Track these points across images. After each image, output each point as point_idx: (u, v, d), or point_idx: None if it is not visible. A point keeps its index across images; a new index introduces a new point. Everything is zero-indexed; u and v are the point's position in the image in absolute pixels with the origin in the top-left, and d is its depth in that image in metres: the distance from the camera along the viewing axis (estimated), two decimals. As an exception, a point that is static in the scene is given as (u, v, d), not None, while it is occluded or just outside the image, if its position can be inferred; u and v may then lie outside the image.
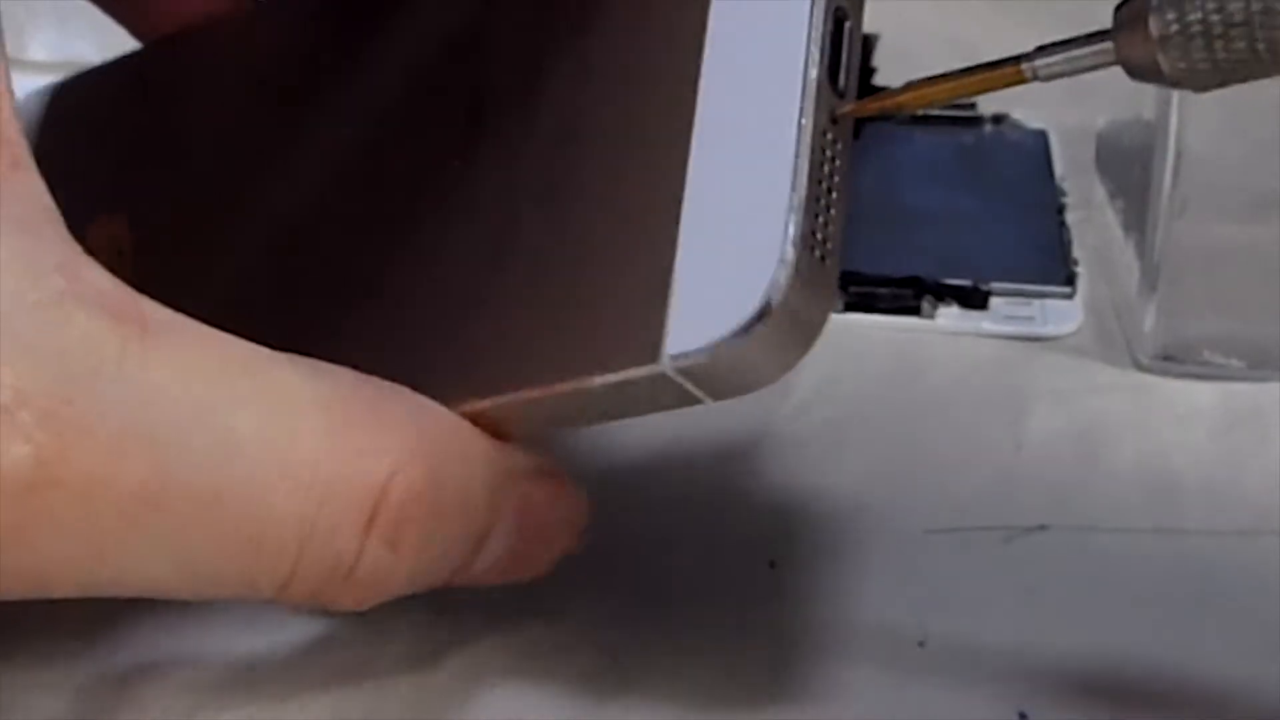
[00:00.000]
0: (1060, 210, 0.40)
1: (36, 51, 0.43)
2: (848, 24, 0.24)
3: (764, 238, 0.23)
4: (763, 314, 0.23)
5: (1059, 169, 0.41)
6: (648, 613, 0.29)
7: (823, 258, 0.23)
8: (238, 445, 0.23)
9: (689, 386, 0.23)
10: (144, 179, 0.32)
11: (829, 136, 0.24)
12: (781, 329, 0.23)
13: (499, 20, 0.28)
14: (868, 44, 0.43)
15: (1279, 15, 0.21)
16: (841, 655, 0.28)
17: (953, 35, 0.46)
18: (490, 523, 0.26)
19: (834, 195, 0.23)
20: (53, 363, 0.22)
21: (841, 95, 0.24)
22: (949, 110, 0.43)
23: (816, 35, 0.24)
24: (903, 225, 0.39)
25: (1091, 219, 0.39)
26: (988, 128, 0.43)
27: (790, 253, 0.23)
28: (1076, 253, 0.38)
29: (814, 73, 0.24)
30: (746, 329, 0.23)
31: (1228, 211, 0.34)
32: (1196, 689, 0.28)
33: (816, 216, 0.23)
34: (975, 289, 0.37)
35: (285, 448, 0.24)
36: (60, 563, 0.23)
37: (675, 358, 0.23)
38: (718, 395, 0.24)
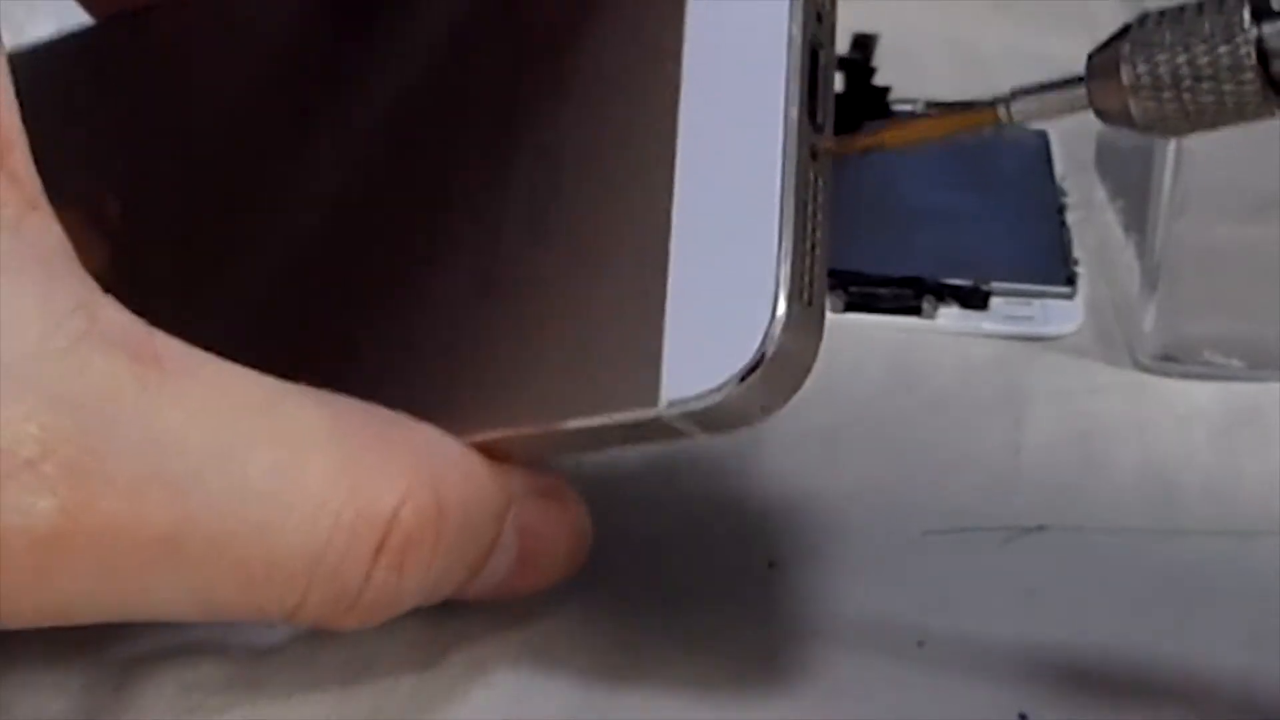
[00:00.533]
0: (1060, 210, 0.40)
1: (37, 51, 0.43)
2: (822, 55, 0.24)
3: (754, 286, 0.23)
4: (758, 362, 0.23)
5: (1059, 169, 0.41)
6: (647, 612, 0.29)
7: (810, 300, 0.24)
8: (252, 483, 0.24)
9: (683, 426, 0.24)
10: (111, 162, 0.32)
11: (811, 175, 0.24)
12: (774, 374, 0.23)
13: (479, 58, 0.28)
14: (868, 44, 0.43)
15: (1245, 69, 0.22)
16: (840, 656, 0.28)
17: (953, 35, 0.46)
18: (492, 543, 0.26)
19: (818, 234, 0.24)
20: (75, 411, 0.23)
21: (820, 129, 0.24)
22: (949, 111, 0.43)
23: (795, 73, 0.24)
24: (903, 225, 0.39)
25: (1092, 219, 0.39)
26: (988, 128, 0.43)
27: (782, 302, 0.23)
28: (1077, 253, 0.38)
29: (794, 111, 0.24)
30: (743, 376, 0.23)
31: (1228, 211, 0.34)
32: (1196, 689, 0.28)
33: (803, 259, 0.23)
34: (975, 289, 0.37)
35: (298, 482, 0.24)
36: (81, 599, 0.24)
37: (672, 403, 0.24)
38: (711, 432, 0.24)
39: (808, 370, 0.24)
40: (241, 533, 0.24)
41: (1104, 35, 0.23)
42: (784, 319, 0.23)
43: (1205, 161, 0.34)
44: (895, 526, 0.31)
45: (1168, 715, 0.27)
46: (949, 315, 0.37)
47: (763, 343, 0.23)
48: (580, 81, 0.26)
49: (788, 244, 0.23)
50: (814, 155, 0.24)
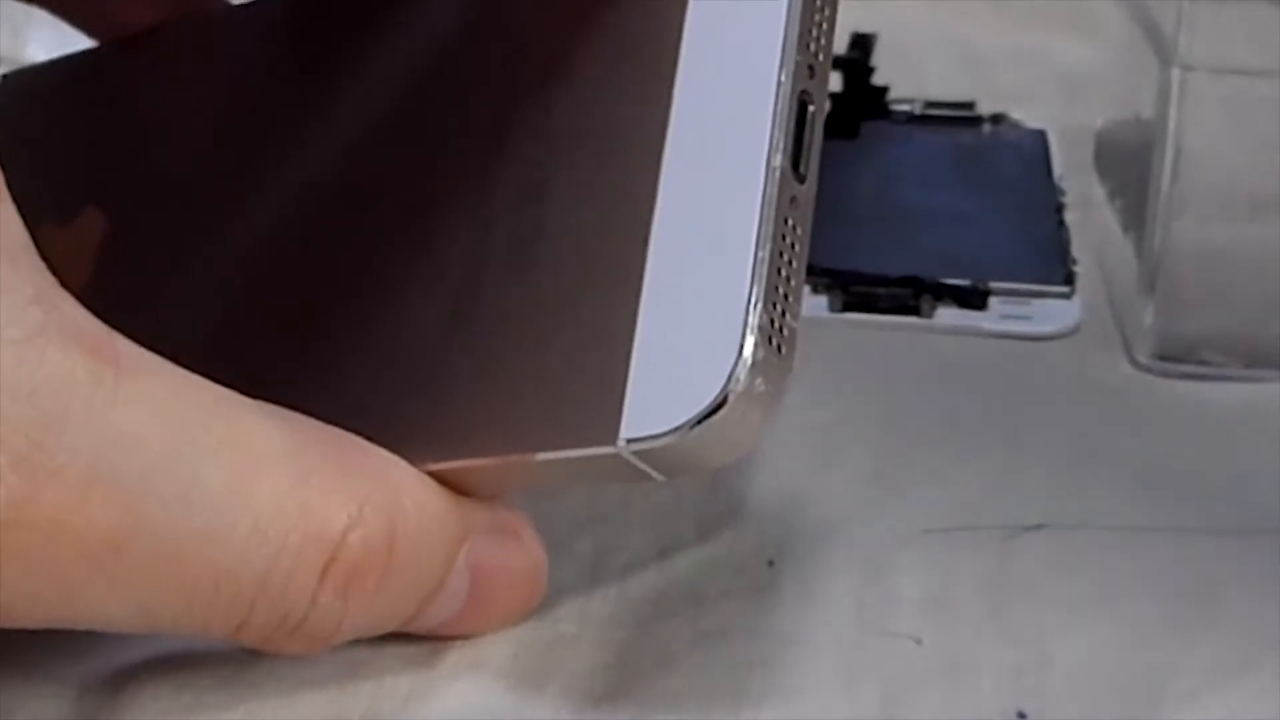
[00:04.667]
0: (1059, 210, 0.40)
1: (36, 51, 0.43)
2: (811, 108, 0.24)
3: (723, 329, 0.23)
4: (720, 406, 0.23)
5: (1058, 168, 0.41)
6: (645, 612, 0.29)
7: (779, 346, 0.24)
8: (203, 493, 0.24)
9: (642, 466, 0.24)
10: (100, 182, 0.32)
11: (789, 223, 0.24)
12: (737, 418, 0.23)
13: (464, 91, 0.28)
14: (866, 43, 0.43)
15: None
16: (839, 654, 0.28)
17: (951, 35, 0.46)
18: (443, 577, 0.26)
19: (792, 281, 0.24)
20: (28, 401, 0.22)
21: (802, 180, 0.24)
22: (948, 110, 0.43)
23: (782, 122, 0.24)
24: (902, 225, 0.39)
25: (1090, 218, 0.39)
26: (987, 127, 0.43)
27: (749, 347, 0.23)
28: (1075, 252, 0.38)
29: (777, 160, 0.24)
30: (703, 419, 0.23)
31: (1227, 211, 0.34)
32: (1196, 689, 0.28)
33: (775, 305, 0.24)
34: (974, 288, 0.37)
35: (248, 497, 0.24)
36: (24, 598, 0.23)
37: (631, 441, 0.24)
38: (670, 475, 0.24)
39: (772, 415, 0.24)
40: (188, 543, 0.23)
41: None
42: (749, 365, 0.23)
43: (1204, 161, 0.34)
44: (894, 525, 0.31)
45: (1167, 715, 0.27)
46: (947, 314, 0.37)
47: (725, 387, 0.23)
48: (566, 118, 0.26)
49: (759, 290, 0.23)
50: (794, 205, 0.24)
